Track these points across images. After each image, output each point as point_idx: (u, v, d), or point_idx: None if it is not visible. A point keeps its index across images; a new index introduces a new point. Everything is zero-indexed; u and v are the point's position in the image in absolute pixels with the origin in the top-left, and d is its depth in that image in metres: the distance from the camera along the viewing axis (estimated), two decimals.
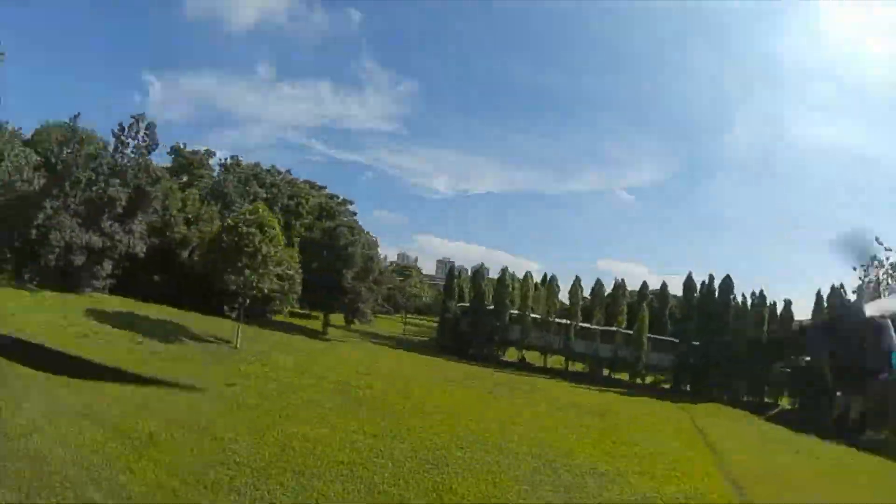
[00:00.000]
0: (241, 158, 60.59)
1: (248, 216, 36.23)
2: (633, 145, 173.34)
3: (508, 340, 56.96)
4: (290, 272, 37.51)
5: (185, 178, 55.65)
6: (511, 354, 58.94)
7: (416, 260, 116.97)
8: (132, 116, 39.62)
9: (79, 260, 34.68)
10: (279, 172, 64.87)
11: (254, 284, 34.42)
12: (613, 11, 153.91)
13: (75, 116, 38.29)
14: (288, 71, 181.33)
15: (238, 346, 36.53)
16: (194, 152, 57.29)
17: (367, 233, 59.92)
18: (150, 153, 42.52)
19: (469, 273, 68.96)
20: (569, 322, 55.43)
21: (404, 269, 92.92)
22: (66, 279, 35.71)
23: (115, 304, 37.64)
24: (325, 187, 72.91)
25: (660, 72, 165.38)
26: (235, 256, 34.66)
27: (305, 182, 69.80)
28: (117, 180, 37.43)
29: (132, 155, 39.53)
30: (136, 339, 32.31)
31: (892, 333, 1.44)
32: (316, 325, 56.88)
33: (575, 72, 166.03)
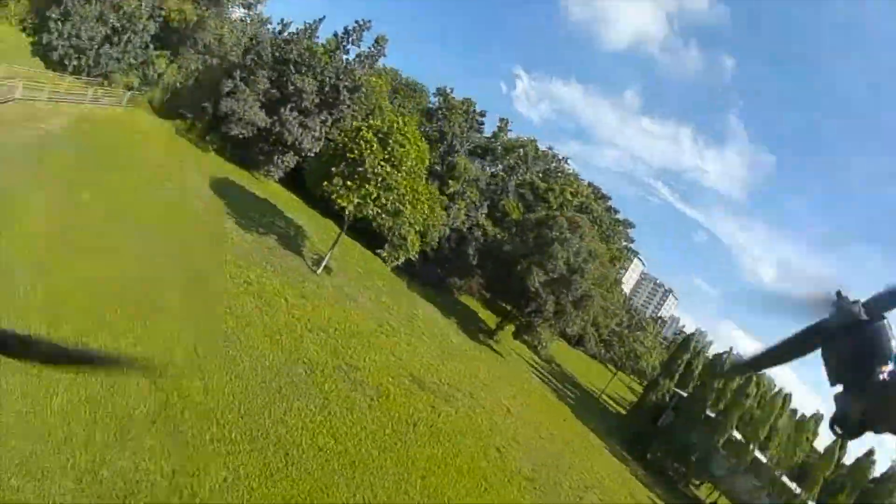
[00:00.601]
0: (510, 125, 53.96)
1: (380, 124, 29.00)
2: None
3: (710, 471, 33.15)
4: (401, 208, 28.26)
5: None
6: (706, 491, 35.86)
7: (711, 344, 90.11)
8: (356, 21, 37.75)
9: (240, 132, 34.75)
10: (555, 158, 56.17)
11: (333, 197, 26.94)
12: None
13: (320, 19, 38.84)
14: (652, 104, 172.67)
15: (318, 272, 30.07)
16: (463, 101, 54.18)
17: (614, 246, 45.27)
18: (371, 64, 40.39)
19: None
20: (798, 493, 30.60)
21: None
22: (241, 153, 36.82)
23: (262, 188, 35.84)
24: (610, 198, 60.70)
25: None
26: (338, 162, 28.07)
27: (589, 185, 59.93)
28: (309, 76, 36.13)
29: (343, 59, 37.77)
30: (224, 211, 29.89)
31: (892, 333, 1.34)
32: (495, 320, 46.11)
33: None
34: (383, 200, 27.44)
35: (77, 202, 21.75)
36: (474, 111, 48.02)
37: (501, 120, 51.70)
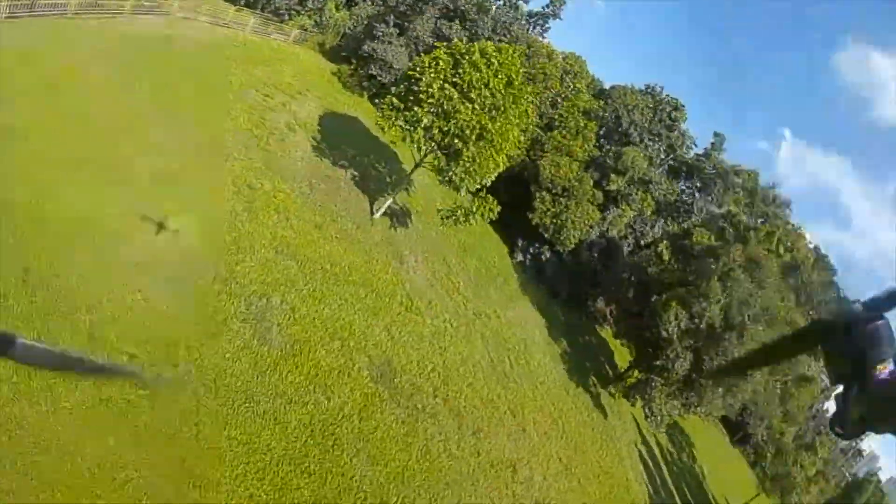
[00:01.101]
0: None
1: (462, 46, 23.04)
2: None
3: None
4: (460, 146, 21.31)
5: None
6: None
7: None
8: None
9: (378, 73, 32.78)
10: (775, 201, 40.00)
11: (378, 118, 22.26)
12: None
13: None
14: None
15: (375, 217, 25.73)
16: (672, 100, 43.49)
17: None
18: (542, 25, 34.37)
19: None
20: None
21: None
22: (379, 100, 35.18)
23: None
24: (836, 272, 42.28)
25: None
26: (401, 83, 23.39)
27: (814, 249, 42.38)
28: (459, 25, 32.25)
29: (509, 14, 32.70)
30: (311, 136, 28.13)
31: (892, 333, 1.34)
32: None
33: None
34: (435, 131, 21.41)
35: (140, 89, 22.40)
36: (666, 104, 36.73)
37: (716, 135, 38.89)
